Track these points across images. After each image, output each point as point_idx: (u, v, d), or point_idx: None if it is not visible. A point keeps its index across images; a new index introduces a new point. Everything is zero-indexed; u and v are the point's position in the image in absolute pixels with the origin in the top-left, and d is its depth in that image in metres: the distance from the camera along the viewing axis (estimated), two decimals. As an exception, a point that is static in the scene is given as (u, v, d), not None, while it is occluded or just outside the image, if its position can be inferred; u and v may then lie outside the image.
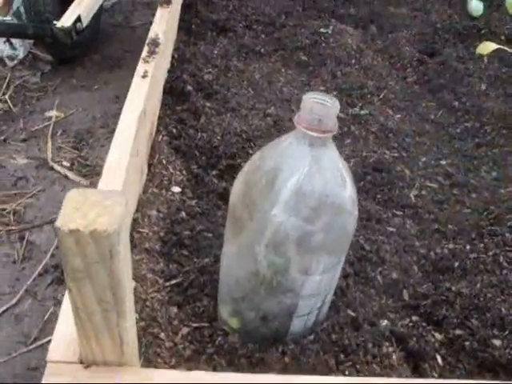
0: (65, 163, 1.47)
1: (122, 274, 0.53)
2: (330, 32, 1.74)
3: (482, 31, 1.82)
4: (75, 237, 0.48)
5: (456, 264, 1.00)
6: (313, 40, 1.69)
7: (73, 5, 1.61)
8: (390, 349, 0.83)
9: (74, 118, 1.65)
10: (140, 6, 2.33)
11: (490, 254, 1.03)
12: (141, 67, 1.13)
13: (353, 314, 0.85)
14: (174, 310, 0.84)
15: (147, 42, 1.24)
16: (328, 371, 0.76)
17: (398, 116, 1.45)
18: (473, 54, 1.68)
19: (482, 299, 0.91)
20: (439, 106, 1.51)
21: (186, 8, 1.78)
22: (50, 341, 0.66)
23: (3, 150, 1.51)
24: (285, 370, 0.76)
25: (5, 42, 1.88)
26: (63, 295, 0.69)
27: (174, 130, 1.22)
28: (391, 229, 1.06)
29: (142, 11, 2.29)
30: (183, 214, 1.01)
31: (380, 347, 0.82)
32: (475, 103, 1.48)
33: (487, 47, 1.58)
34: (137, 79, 1.09)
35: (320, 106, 0.65)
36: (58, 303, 1.12)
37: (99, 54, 1.96)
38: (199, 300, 0.84)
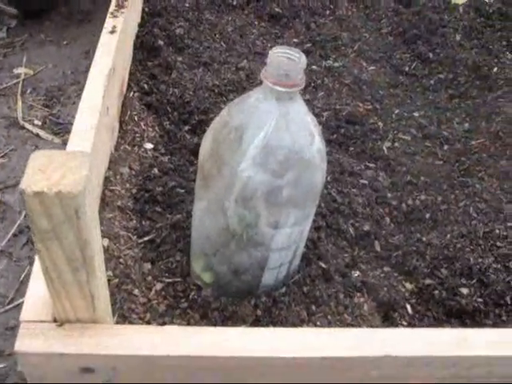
0: (36, 122, 1.45)
1: (89, 233, 0.53)
2: (303, -18, 1.70)
3: (458, -20, 1.80)
4: (40, 198, 0.48)
5: (427, 215, 1.02)
6: (286, -9, 1.65)
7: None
8: (362, 299, 0.85)
9: (43, 74, 1.62)
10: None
11: (461, 204, 1.04)
12: (108, 23, 1.10)
13: (324, 265, 0.86)
14: (148, 266, 0.84)
15: (115, -5, 1.21)
16: (300, 322, 0.78)
17: (372, 68, 1.44)
18: (448, 3, 1.67)
19: (451, 249, 0.93)
20: (413, 58, 1.50)
21: (156, -41, 1.73)
22: (25, 300, 0.66)
23: (-29, 110, 1.48)
24: (257, 322, 0.77)
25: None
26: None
27: (146, 86, 1.20)
28: (363, 181, 1.07)
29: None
30: (155, 170, 1.01)
31: (351, 298, 0.84)
32: (449, 54, 1.47)
33: (462, -4, 1.58)
34: (105, 35, 1.06)
35: (287, 60, 0.64)
36: (33, 263, 1.11)
37: (68, 6, 1.89)
38: (172, 256, 0.85)
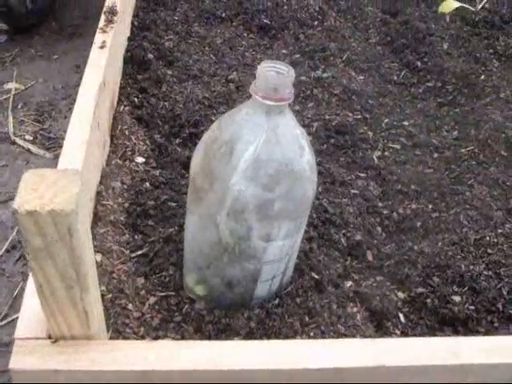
0: (27, 137, 1.45)
1: (82, 250, 0.53)
2: (291, -7, 1.72)
3: (444, -11, 1.82)
4: (33, 217, 0.49)
5: (418, 224, 1.03)
6: (274, 2, 1.67)
7: (27, -28, 1.56)
8: (355, 309, 0.86)
9: (34, 89, 1.62)
10: (98, -29, 2.27)
11: (452, 212, 1.05)
12: (98, 38, 1.11)
13: (317, 276, 0.87)
14: (141, 280, 0.84)
15: (104, 10, 1.22)
16: (293, 334, 0.78)
17: (361, 78, 1.45)
18: (435, 12, 1.68)
19: (443, 257, 0.94)
20: (402, 67, 1.51)
21: (144, -28, 1.74)
22: (19, 317, 0.66)
23: (-38, 126, 1.48)
24: (251, 334, 0.77)
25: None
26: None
27: (136, 100, 1.21)
28: (354, 191, 1.08)
29: (100, -24, 2.23)
30: (147, 184, 1.01)
31: (344, 308, 0.85)
32: (437, 63, 1.49)
33: (449, 5, 1.59)
34: (95, 50, 1.07)
35: (275, 74, 0.65)
36: (26, 278, 1.11)
37: (57, 21, 1.91)
38: (165, 269, 0.85)
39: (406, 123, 1.30)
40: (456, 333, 0.85)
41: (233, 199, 0.66)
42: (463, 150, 1.21)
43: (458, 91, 1.40)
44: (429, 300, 0.88)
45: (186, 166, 1.06)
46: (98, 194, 0.95)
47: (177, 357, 0.63)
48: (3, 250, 1.18)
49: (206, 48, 1.45)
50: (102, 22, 1.18)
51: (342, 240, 0.96)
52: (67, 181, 0.50)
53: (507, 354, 0.68)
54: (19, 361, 0.61)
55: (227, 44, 1.48)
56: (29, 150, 1.42)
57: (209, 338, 0.77)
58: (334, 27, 1.63)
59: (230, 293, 0.78)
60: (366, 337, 0.81)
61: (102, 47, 1.10)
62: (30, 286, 0.68)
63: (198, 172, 0.70)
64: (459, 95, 1.39)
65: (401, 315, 0.87)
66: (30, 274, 0.61)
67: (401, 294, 0.90)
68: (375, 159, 1.17)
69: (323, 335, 0.79)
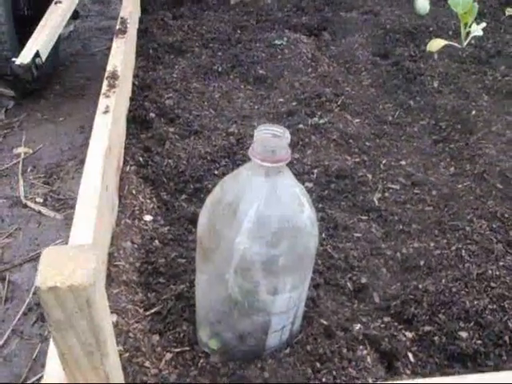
0: (38, 199, 1.50)
1: (101, 319, 0.57)
2: (284, 43, 1.78)
3: (431, 28, 1.88)
4: (54, 293, 0.52)
5: (422, 262, 1.06)
6: (268, 53, 1.73)
7: (30, 40, 1.62)
8: (364, 351, 0.88)
9: (42, 152, 1.68)
10: (97, 32, 2.36)
11: (453, 248, 1.08)
12: (102, 103, 1.16)
13: (325, 322, 0.89)
14: (156, 337, 0.87)
15: (106, 75, 1.28)
16: (306, 380, 0.81)
17: (357, 121, 1.50)
18: (424, 51, 1.74)
19: (447, 294, 0.96)
20: (396, 107, 1.56)
21: (142, 33, 1.82)
22: (40, 378, 0.69)
23: (-25, 192, 1.53)
24: (265, 384, 0.80)
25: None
26: (50, 332, 0.72)
27: (141, 159, 1.26)
28: (357, 234, 1.11)
29: (100, 37, 2.32)
30: (156, 242, 1.05)
31: (354, 351, 0.87)
32: (429, 101, 1.54)
33: (436, 44, 1.65)
34: (99, 116, 1.12)
35: (272, 137, 0.69)
36: (44, 340, 1.15)
37: (61, 84, 1.98)
38: (179, 325, 0.88)
39: (403, 163, 1.34)
40: (465, 368, 0.87)
41: (239, 257, 0.70)
42: (460, 186, 1.25)
43: (451, 127, 1.45)
44: (436, 337, 0.90)
45: (192, 221, 1.10)
46: (110, 255, 0.99)
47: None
48: (21, 313, 1.21)
49: (205, 103, 1.50)
50: (104, 88, 1.24)
51: (348, 284, 0.99)
52: (84, 256, 0.54)
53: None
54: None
55: (225, 97, 1.54)
56: (40, 212, 1.46)
57: (225, 390, 0.79)
58: (328, 72, 1.69)
59: (242, 345, 0.81)
60: (377, 378, 0.83)
61: (105, 112, 1.15)
62: (52, 348, 0.71)
63: (205, 233, 0.74)
64: (453, 131, 1.43)
65: (410, 354, 0.89)
66: (52, 341, 0.64)
67: (409, 334, 0.92)
68: (376, 201, 1.21)
69: (335, 380, 0.82)
